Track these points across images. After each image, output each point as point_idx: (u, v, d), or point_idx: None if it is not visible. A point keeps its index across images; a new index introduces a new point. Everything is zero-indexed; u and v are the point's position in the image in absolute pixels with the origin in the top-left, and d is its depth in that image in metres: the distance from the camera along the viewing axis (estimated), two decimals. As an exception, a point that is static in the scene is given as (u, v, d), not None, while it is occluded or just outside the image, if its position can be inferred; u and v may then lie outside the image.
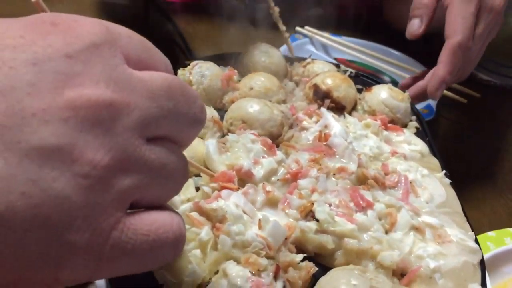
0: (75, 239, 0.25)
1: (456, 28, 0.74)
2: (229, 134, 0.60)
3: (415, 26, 0.80)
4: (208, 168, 0.55)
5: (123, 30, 0.30)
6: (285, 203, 0.52)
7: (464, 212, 0.57)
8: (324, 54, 1.11)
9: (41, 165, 0.24)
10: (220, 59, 0.74)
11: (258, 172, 0.55)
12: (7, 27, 0.26)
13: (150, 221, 0.29)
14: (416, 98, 0.81)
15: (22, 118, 0.24)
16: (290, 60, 0.80)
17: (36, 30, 0.26)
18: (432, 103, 0.97)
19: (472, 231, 0.54)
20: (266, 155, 0.57)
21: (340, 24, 1.18)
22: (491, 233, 0.71)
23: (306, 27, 1.16)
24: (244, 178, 0.55)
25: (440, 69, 0.76)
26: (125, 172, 0.27)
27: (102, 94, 0.26)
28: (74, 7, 1.23)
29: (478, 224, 0.55)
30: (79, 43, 0.26)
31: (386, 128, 0.66)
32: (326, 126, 0.63)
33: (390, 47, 1.13)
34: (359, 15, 1.20)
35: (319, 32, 1.15)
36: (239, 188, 0.53)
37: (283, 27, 0.72)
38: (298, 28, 1.16)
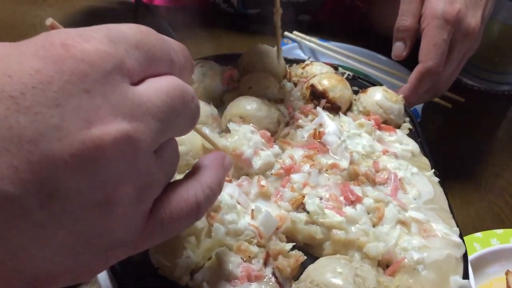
0: (117, 238, 0.31)
1: (428, 54, 0.80)
2: (230, 123, 0.62)
3: (399, 49, 0.86)
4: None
5: (128, 43, 0.31)
6: (278, 196, 0.55)
7: (451, 209, 0.59)
8: (312, 59, 1.14)
9: (86, 211, 0.28)
10: (221, 59, 0.77)
11: (256, 162, 0.58)
12: (20, 57, 0.27)
13: (171, 206, 0.34)
14: None
15: (56, 165, 0.26)
16: (290, 61, 0.83)
17: (49, 57, 0.27)
18: (418, 107, 0.99)
19: (458, 227, 0.56)
20: (264, 147, 0.60)
21: (328, 29, 1.21)
22: (477, 234, 0.72)
23: (295, 32, 1.19)
24: (241, 166, 0.57)
25: (406, 89, 0.82)
26: (150, 186, 0.32)
27: (121, 128, 0.28)
28: (64, 11, 1.25)
29: (462, 227, 0.56)
30: (93, 74, 0.28)
31: (379, 128, 0.69)
32: (321, 125, 0.65)
33: (376, 52, 1.15)
34: (347, 21, 1.23)
35: (308, 37, 1.17)
36: (231, 180, 0.55)
37: (279, 31, 0.74)
38: (286, 33, 1.18)
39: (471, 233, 0.74)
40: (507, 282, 0.68)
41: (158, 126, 0.31)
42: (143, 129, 0.30)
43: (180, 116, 0.33)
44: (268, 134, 0.61)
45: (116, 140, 0.28)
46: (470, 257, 0.67)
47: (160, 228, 0.34)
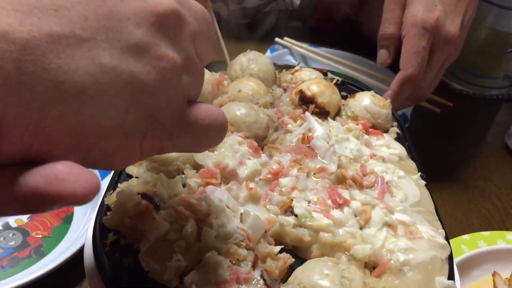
0: (159, 113, 0.33)
1: (408, 62, 0.82)
2: None
3: (384, 57, 0.88)
4: (196, 162, 0.59)
5: None
6: (266, 199, 0.56)
7: (437, 212, 0.60)
8: (303, 65, 1.16)
9: (137, 60, 0.31)
10: (211, 65, 0.78)
11: (243, 172, 0.58)
12: None
13: (205, 110, 0.38)
14: None
15: (119, 21, 0.30)
16: (279, 67, 0.84)
17: None
18: (407, 111, 1.00)
19: (444, 229, 0.57)
20: (251, 157, 0.61)
21: (319, 35, 1.22)
22: (465, 236, 0.74)
23: (285, 38, 1.20)
24: (228, 177, 0.58)
25: (387, 96, 0.85)
26: (188, 71, 0.35)
27: (174, 4, 0.33)
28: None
29: (450, 229, 0.57)
30: None
31: (367, 132, 0.70)
32: (309, 129, 0.66)
33: (366, 57, 1.17)
34: (337, 27, 1.25)
35: (298, 43, 1.19)
36: (221, 183, 0.56)
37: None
38: (277, 39, 1.19)
39: (459, 235, 0.75)
40: (494, 283, 0.69)
41: (195, 24, 0.36)
42: (186, 16, 0.35)
43: (208, 29, 0.39)
44: (255, 144, 0.62)
45: (169, 11, 0.33)
46: (457, 259, 0.68)
47: (193, 124, 0.36)
